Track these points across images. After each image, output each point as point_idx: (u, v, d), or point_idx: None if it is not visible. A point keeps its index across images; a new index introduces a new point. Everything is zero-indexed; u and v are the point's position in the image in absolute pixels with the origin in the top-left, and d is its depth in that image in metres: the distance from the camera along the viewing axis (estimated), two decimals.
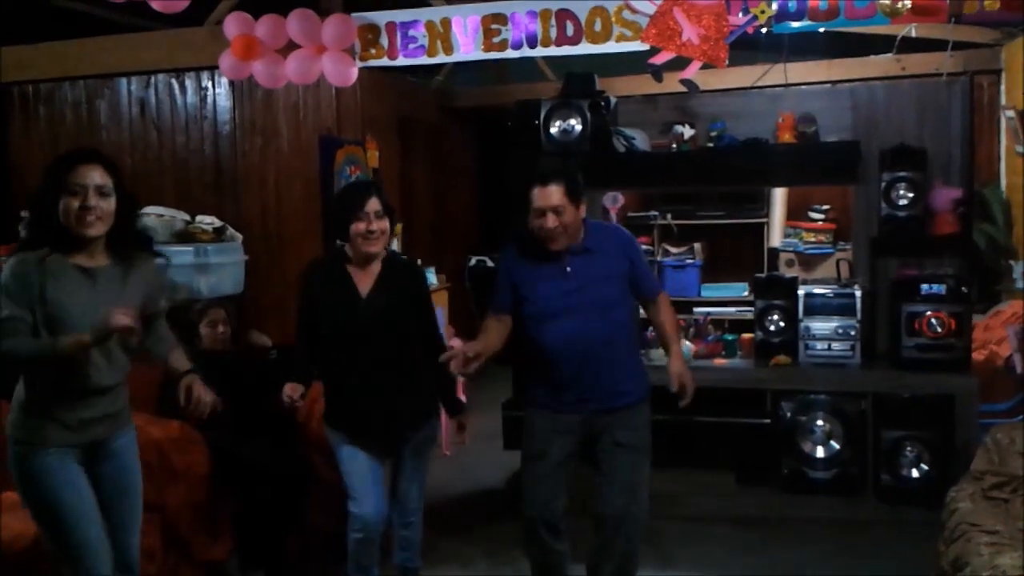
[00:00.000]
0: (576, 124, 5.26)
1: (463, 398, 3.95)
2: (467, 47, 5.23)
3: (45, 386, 2.88)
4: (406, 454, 3.71)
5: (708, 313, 6.12)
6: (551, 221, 3.33)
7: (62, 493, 2.89)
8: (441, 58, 5.35)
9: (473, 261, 8.26)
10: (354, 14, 5.45)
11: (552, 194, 3.32)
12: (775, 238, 7.26)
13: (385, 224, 3.55)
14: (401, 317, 3.58)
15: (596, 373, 3.43)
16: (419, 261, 5.42)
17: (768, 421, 5.10)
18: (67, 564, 2.96)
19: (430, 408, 3.78)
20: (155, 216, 5.80)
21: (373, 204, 3.51)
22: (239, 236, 6.22)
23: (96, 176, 2.85)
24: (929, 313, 4.89)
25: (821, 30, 5.17)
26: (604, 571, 3.51)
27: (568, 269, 3.42)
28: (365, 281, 3.58)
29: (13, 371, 2.92)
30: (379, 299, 3.56)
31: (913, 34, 6.06)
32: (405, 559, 3.82)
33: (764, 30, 4.96)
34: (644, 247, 7.33)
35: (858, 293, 5.13)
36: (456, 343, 3.83)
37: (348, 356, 3.55)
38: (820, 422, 5.01)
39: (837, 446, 4.99)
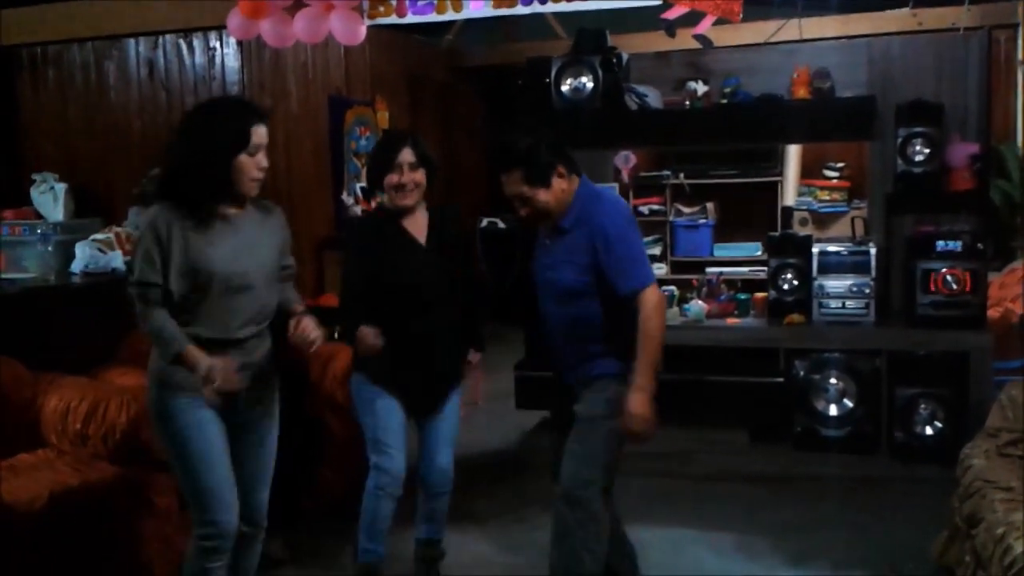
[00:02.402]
0: (587, 82, 5.20)
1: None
2: (476, 3, 5.15)
3: (187, 336, 2.85)
4: (444, 420, 3.58)
5: (721, 273, 6.11)
6: (521, 210, 3.11)
7: (192, 438, 2.88)
8: (450, 15, 5.27)
9: (484, 223, 8.23)
10: None
11: (511, 182, 3.09)
12: (789, 196, 7.23)
13: (419, 176, 3.44)
14: (454, 264, 3.54)
15: (563, 349, 3.21)
16: None
17: (781, 380, 5.10)
18: (193, 510, 2.95)
19: (461, 369, 3.69)
20: None
21: (406, 155, 3.40)
22: None
23: (266, 134, 2.88)
24: (944, 270, 4.86)
25: None
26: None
27: (547, 243, 3.20)
28: (420, 232, 3.51)
29: None
30: (437, 249, 3.50)
31: None
32: (434, 530, 3.67)
33: None
34: (656, 207, 7.31)
35: (873, 251, 5.10)
36: None
37: (405, 308, 3.43)
38: (834, 380, 5.00)
39: (851, 404, 4.99)
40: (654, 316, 2.98)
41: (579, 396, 3.20)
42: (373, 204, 7.17)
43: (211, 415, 2.90)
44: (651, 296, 3.01)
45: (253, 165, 2.84)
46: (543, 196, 3.06)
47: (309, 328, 2.98)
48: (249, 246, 2.92)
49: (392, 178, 3.41)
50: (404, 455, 3.49)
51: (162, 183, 2.93)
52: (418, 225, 3.52)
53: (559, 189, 3.09)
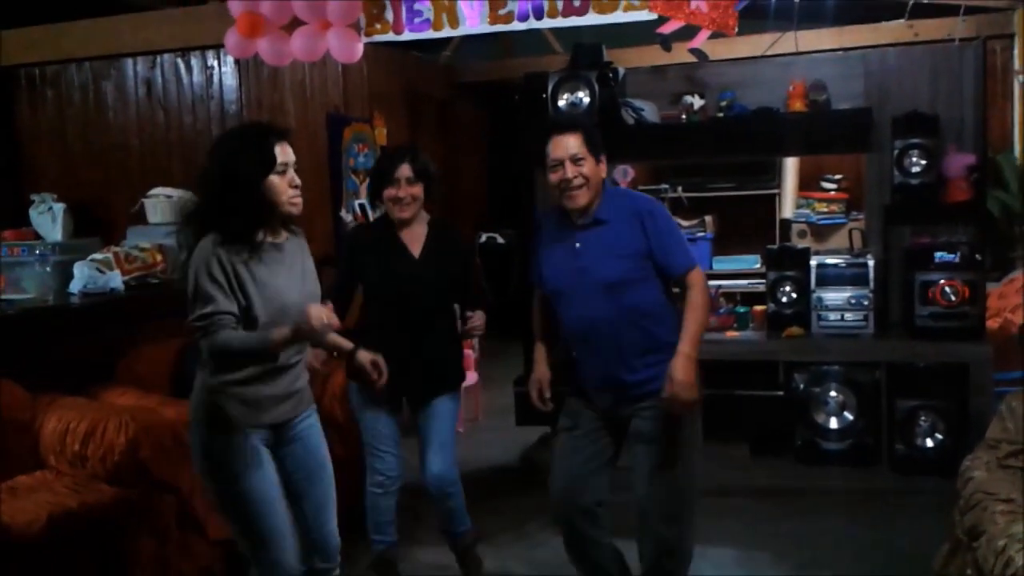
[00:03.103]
0: (584, 96, 5.21)
1: (474, 374, 3.99)
2: (473, 20, 5.16)
3: (230, 367, 2.78)
4: (437, 422, 3.73)
5: (720, 286, 6.10)
6: (571, 170, 3.08)
7: (248, 478, 2.78)
8: (447, 32, 5.28)
9: (483, 238, 8.25)
10: None
11: (569, 141, 3.10)
12: (787, 209, 7.22)
13: (417, 190, 3.61)
14: (449, 278, 3.68)
15: (606, 361, 3.15)
16: None
17: (781, 393, 5.08)
18: (253, 555, 2.87)
19: (458, 376, 3.88)
20: (163, 197, 5.78)
21: (404, 170, 3.58)
22: None
23: (292, 152, 2.87)
24: (943, 281, 4.85)
25: None
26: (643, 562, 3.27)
27: (577, 245, 3.15)
28: (415, 243, 3.69)
29: (224, 364, 2.79)
30: (430, 260, 3.66)
31: None
32: (455, 526, 3.84)
33: None
34: None
35: (871, 262, 5.10)
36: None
37: (395, 316, 3.63)
38: (834, 393, 4.99)
39: (851, 417, 4.97)
40: (703, 292, 3.11)
41: (627, 413, 3.15)
42: (371, 217, 7.20)
43: (264, 452, 2.84)
44: (700, 274, 3.14)
45: (286, 184, 2.81)
46: (591, 166, 3.12)
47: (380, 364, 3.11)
48: (300, 272, 2.92)
49: (390, 192, 3.61)
50: (396, 455, 3.76)
51: (203, 216, 2.83)
52: (414, 236, 3.69)
53: (600, 173, 3.17)
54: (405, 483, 3.86)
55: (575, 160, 3.10)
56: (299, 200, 2.85)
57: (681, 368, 2.97)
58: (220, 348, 2.70)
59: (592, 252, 3.14)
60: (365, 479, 3.82)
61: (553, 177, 3.14)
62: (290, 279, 2.85)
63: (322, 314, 2.69)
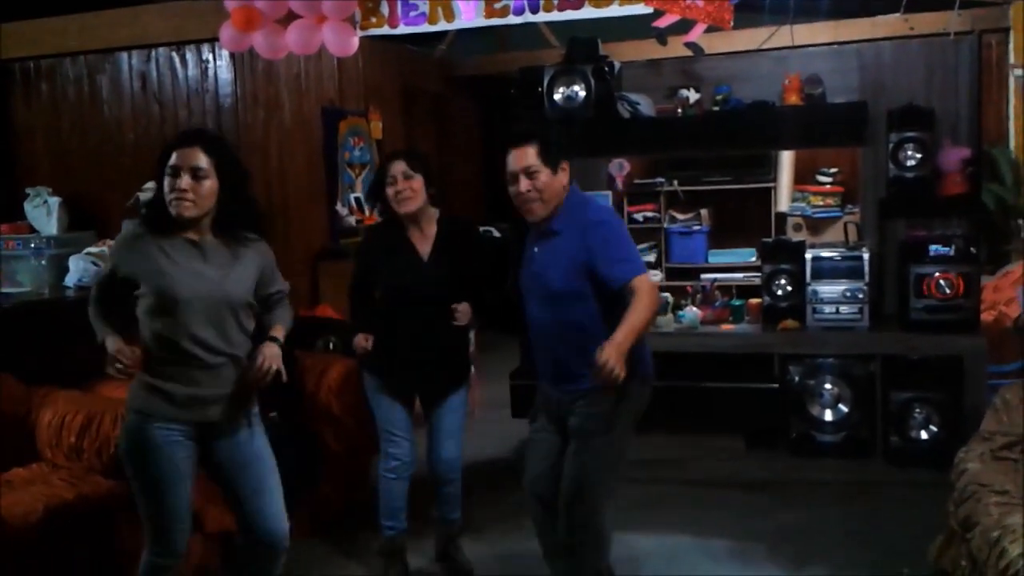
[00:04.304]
0: (580, 90, 5.21)
1: (472, 368, 4.07)
2: (468, 14, 5.16)
3: (155, 360, 2.92)
4: (446, 413, 3.87)
5: (715, 279, 6.11)
6: (523, 184, 3.12)
7: (155, 465, 2.92)
8: (442, 26, 5.28)
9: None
10: None
11: (525, 155, 3.12)
12: (783, 202, 7.23)
13: (415, 183, 3.71)
14: (460, 277, 3.76)
15: (555, 360, 3.22)
16: None
17: (776, 385, 5.10)
18: (146, 529, 3.01)
19: (466, 370, 3.99)
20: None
21: (398, 167, 3.71)
22: None
23: (192, 158, 2.89)
24: (938, 274, 4.86)
25: None
26: (557, 565, 3.36)
27: (535, 250, 3.23)
28: (424, 244, 3.78)
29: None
30: (438, 261, 3.76)
31: None
32: (447, 512, 3.99)
33: None
34: (649, 214, 7.33)
35: (866, 255, 5.10)
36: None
37: (404, 314, 3.74)
38: (828, 385, 5.00)
39: (845, 409, 4.99)
40: (646, 295, 2.96)
41: (570, 409, 3.20)
42: (368, 213, 7.19)
43: (182, 444, 2.95)
44: (644, 281, 3.01)
45: (168, 186, 2.89)
46: (546, 178, 3.13)
47: (264, 362, 2.97)
48: (221, 275, 2.94)
49: (390, 190, 3.72)
50: (410, 442, 3.85)
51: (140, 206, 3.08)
52: (424, 237, 3.80)
53: (559, 182, 3.17)
54: (414, 474, 3.90)
55: (528, 173, 3.13)
56: (182, 204, 2.87)
57: (607, 351, 2.78)
58: (90, 311, 3.00)
59: (542, 260, 3.20)
60: (371, 468, 3.97)
61: (511, 189, 3.19)
62: (197, 277, 2.89)
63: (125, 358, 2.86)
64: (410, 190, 3.70)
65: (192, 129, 3.05)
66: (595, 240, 3.07)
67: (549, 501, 3.28)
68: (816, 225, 7.06)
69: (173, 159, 2.88)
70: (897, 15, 6.68)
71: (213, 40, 5.92)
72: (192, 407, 2.93)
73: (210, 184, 2.90)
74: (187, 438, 2.95)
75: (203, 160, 2.89)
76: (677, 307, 5.43)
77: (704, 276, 6.47)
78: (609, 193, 6.10)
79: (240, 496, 3.06)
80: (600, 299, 3.09)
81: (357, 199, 7.25)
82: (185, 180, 2.86)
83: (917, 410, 4.85)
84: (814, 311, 5.13)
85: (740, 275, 6.84)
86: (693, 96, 5.43)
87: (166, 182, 2.89)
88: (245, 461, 3.06)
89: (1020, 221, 6.69)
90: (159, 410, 2.91)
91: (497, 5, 5.16)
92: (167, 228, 2.92)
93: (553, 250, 3.16)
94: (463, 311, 3.75)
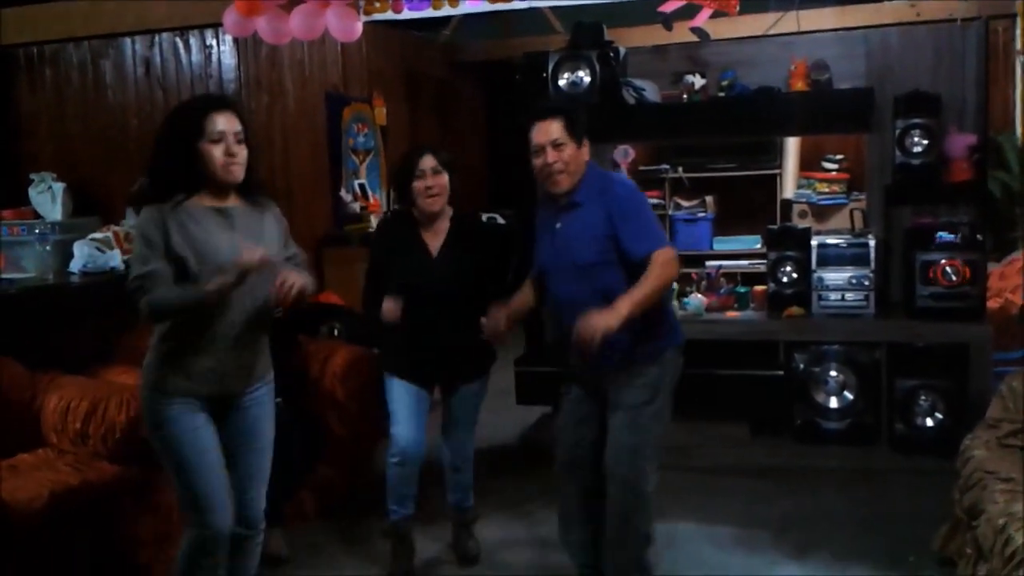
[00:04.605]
0: (585, 76, 5.19)
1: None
2: None
3: (177, 335, 2.87)
4: (458, 402, 3.91)
5: (720, 266, 6.11)
6: (551, 155, 3.18)
7: (184, 444, 2.89)
8: (447, 10, 5.26)
9: (484, 219, 8.21)
10: None
11: (551, 127, 3.19)
12: (788, 189, 7.22)
13: (443, 180, 3.69)
14: (469, 275, 3.72)
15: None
16: None
17: (781, 373, 5.09)
18: (188, 514, 2.97)
19: (485, 363, 3.97)
20: None
21: (428, 161, 3.66)
22: None
23: (235, 122, 2.88)
24: (944, 261, 4.84)
25: None
26: (607, 533, 3.34)
27: (558, 226, 3.26)
28: (434, 240, 3.75)
29: (165, 324, 2.89)
30: (448, 258, 3.73)
31: None
32: (459, 499, 4.03)
33: None
34: (654, 201, 7.31)
35: (872, 243, 5.08)
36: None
37: (417, 310, 3.69)
38: (834, 373, 5.00)
39: (851, 396, 4.98)
40: (658, 267, 3.03)
41: (612, 380, 3.23)
42: (371, 199, 7.18)
43: (203, 419, 2.92)
44: (665, 251, 3.08)
45: (220, 151, 2.84)
46: (571, 151, 3.20)
47: (287, 279, 2.87)
48: (254, 239, 2.90)
49: (419, 185, 3.66)
50: (417, 429, 3.78)
51: (146, 189, 2.98)
52: (435, 233, 3.77)
53: (583, 156, 3.25)
54: (423, 462, 3.87)
55: (555, 145, 3.19)
56: (235, 168, 2.86)
57: (604, 314, 2.90)
58: (158, 305, 2.79)
59: (568, 233, 3.23)
60: (377, 453, 4.00)
61: (536, 162, 3.23)
62: (233, 242, 2.85)
63: (254, 254, 2.77)
64: (439, 186, 3.68)
65: (215, 94, 3.00)
66: (616, 211, 3.15)
67: (590, 468, 3.30)
68: (822, 212, 7.04)
69: (220, 124, 2.84)
70: (904, 1, 6.64)
71: (217, 25, 5.90)
72: (210, 381, 2.90)
73: (245, 148, 2.91)
74: (203, 411, 2.92)
75: (239, 124, 2.89)
76: (682, 294, 5.42)
77: (709, 263, 6.46)
78: None
79: (231, 476, 3.02)
80: (625, 266, 3.15)
81: (361, 185, 7.24)
82: (235, 144, 2.86)
83: (923, 397, 4.84)
84: (819, 298, 5.11)
85: (745, 262, 6.83)
86: (698, 82, 5.40)
87: (214, 149, 2.83)
88: (247, 443, 3.05)
89: None
90: (177, 386, 2.87)
91: None
92: (192, 193, 2.86)
93: (578, 221, 3.21)
94: (490, 328, 3.57)
